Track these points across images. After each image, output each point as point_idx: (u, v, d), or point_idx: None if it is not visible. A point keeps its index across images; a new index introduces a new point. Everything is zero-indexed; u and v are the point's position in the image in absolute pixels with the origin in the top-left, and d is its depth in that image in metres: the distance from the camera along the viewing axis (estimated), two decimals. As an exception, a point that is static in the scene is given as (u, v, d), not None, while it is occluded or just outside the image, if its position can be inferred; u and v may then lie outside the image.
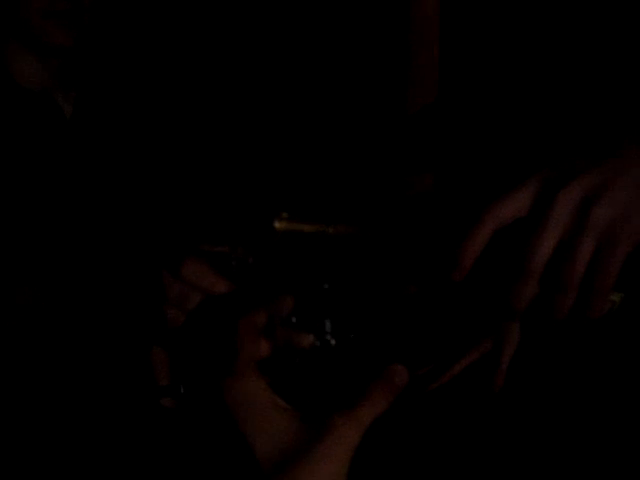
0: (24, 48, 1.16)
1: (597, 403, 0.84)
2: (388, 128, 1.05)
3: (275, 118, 1.55)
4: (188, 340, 0.55)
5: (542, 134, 0.79)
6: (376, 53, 1.52)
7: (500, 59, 0.90)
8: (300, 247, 0.53)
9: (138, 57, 1.38)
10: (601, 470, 0.80)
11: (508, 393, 0.84)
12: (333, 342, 0.50)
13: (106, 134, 1.21)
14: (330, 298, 0.51)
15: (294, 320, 0.50)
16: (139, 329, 0.66)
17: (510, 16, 0.90)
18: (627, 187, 0.47)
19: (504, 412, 0.88)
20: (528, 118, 0.83)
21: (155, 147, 1.24)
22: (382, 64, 1.51)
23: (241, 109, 1.47)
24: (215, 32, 1.62)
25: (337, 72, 1.56)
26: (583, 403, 0.84)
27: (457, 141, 0.95)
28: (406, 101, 1.38)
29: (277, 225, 0.52)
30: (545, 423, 0.86)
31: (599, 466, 0.81)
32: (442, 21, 1.27)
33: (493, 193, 0.50)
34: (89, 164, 1.18)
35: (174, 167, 1.24)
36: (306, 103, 1.57)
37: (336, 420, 0.45)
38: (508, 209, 0.49)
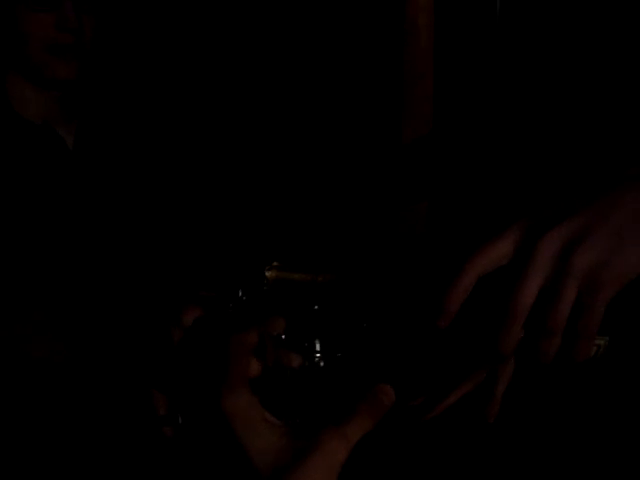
0: (26, 81, 1.16)
1: (592, 434, 0.84)
2: (382, 161, 1.06)
3: (269, 164, 1.57)
4: (182, 357, 0.56)
5: (533, 170, 0.80)
6: (370, 87, 1.54)
7: (492, 94, 0.92)
8: (291, 293, 0.54)
9: (139, 87, 1.39)
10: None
11: (502, 423, 0.84)
12: (322, 362, 0.51)
13: (108, 165, 1.22)
14: (320, 319, 0.52)
15: (284, 339, 0.51)
16: (141, 368, 0.67)
17: (503, 51, 0.91)
18: (608, 232, 0.48)
19: (498, 442, 0.88)
20: (520, 153, 0.84)
21: (157, 182, 1.25)
22: (376, 98, 1.52)
23: (233, 157, 1.48)
24: (216, 71, 1.63)
25: (330, 107, 1.57)
26: (578, 433, 0.84)
27: (450, 174, 0.96)
28: (400, 134, 1.39)
29: (268, 274, 0.53)
30: (540, 452, 0.86)
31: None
32: (436, 54, 1.28)
33: (479, 238, 0.51)
34: (92, 196, 1.19)
35: (175, 206, 1.25)
36: (298, 147, 1.58)
37: (324, 436, 0.46)
38: (490, 258, 0.50)
